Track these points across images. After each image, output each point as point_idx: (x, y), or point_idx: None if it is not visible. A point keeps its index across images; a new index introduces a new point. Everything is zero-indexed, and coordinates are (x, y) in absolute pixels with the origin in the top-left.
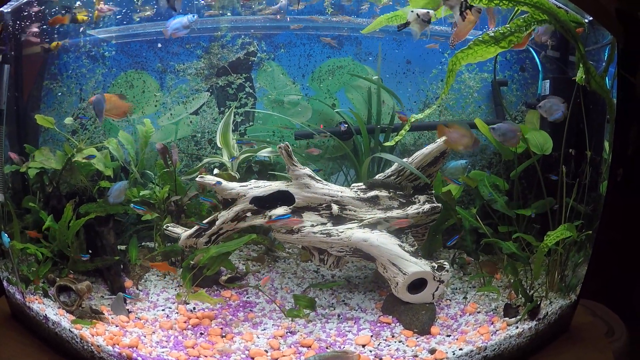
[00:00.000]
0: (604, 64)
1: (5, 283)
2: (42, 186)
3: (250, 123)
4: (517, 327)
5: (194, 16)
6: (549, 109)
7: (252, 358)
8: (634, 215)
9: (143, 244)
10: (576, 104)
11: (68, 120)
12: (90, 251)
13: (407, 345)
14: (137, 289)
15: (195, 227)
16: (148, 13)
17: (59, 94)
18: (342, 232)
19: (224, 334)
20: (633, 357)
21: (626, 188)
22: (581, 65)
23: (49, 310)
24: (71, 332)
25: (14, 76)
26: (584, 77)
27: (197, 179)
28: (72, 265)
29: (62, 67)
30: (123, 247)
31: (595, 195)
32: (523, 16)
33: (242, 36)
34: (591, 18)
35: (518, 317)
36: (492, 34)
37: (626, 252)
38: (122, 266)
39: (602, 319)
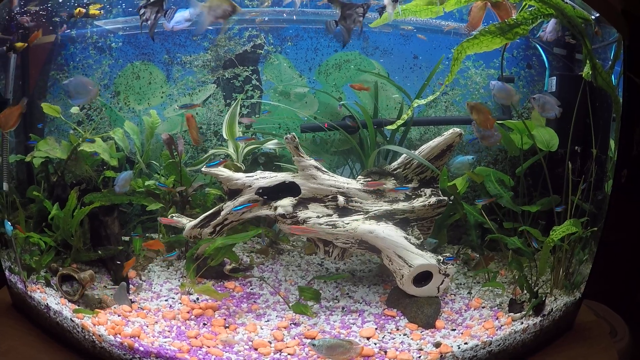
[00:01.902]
0: (610, 62)
1: (7, 272)
2: (47, 176)
3: (257, 115)
4: (522, 323)
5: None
6: (542, 105)
7: (256, 349)
8: (639, 217)
9: (147, 234)
10: (582, 102)
11: (74, 109)
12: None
13: (411, 339)
14: (141, 279)
15: (200, 218)
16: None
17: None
18: (348, 223)
19: (227, 325)
20: (635, 358)
21: (631, 189)
22: (588, 62)
23: (51, 299)
24: (72, 321)
25: (20, 66)
26: (590, 73)
27: (203, 169)
28: (75, 255)
29: (69, 58)
30: (127, 238)
31: (600, 193)
32: (530, 9)
33: (250, 29)
34: (598, 14)
35: (523, 312)
36: (499, 25)
37: (630, 253)
38: (125, 256)
39: (605, 319)
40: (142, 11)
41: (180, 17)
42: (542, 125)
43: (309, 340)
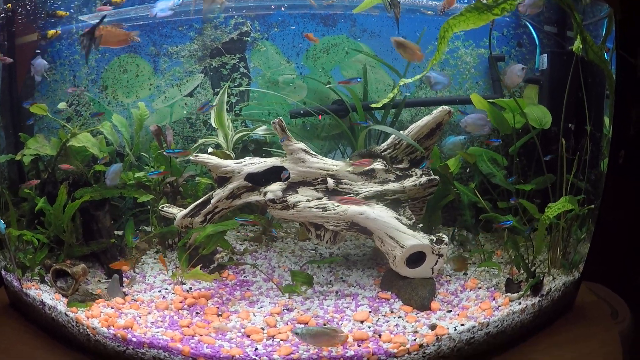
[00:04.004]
0: (602, 39)
1: (3, 272)
2: (38, 173)
3: (246, 103)
4: (520, 303)
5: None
6: (471, 124)
7: (248, 336)
8: (636, 197)
9: (141, 228)
10: (575, 78)
11: (62, 105)
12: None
13: (406, 321)
14: (134, 272)
15: (191, 207)
16: None
17: (53, 81)
18: (338, 206)
19: (220, 313)
20: (637, 339)
21: (629, 168)
22: (578, 36)
23: (45, 295)
24: (67, 315)
25: (7, 65)
26: (581, 47)
27: (191, 157)
28: (68, 250)
29: (55, 55)
30: (121, 232)
31: (596, 171)
32: None
33: (235, 16)
34: None
35: (520, 292)
36: (485, 1)
37: (630, 233)
38: (118, 250)
39: (605, 301)
40: (81, 39)
41: (164, 5)
42: (534, 103)
43: (292, 329)
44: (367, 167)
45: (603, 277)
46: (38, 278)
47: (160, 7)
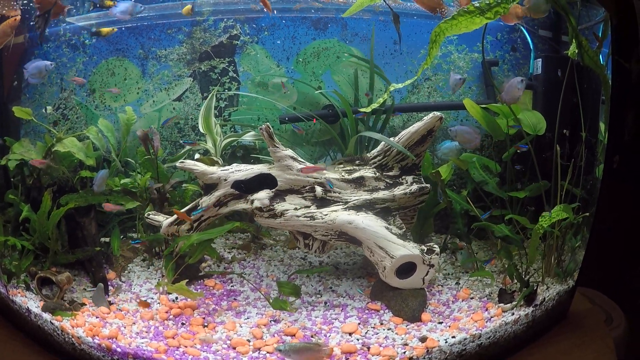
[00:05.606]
0: (597, 44)
1: None
2: (23, 178)
3: (235, 108)
4: (512, 314)
5: (141, 7)
6: (461, 134)
7: (234, 348)
8: (632, 202)
9: (128, 234)
10: (569, 83)
11: (48, 109)
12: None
13: (396, 333)
14: (120, 280)
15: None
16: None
17: (40, 84)
18: (327, 214)
19: (206, 324)
20: (632, 345)
21: (624, 174)
22: (574, 41)
23: (31, 303)
24: (52, 324)
25: None
26: (576, 52)
27: (177, 163)
28: (53, 257)
29: (42, 57)
30: (107, 239)
31: (591, 178)
32: None
33: (225, 19)
34: None
35: (513, 302)
36: (478, 4)
37: (626, 237)
38: (104, 258)
39: (600, 307)
40: (36, 20)
41: (124, 7)
42: (528, 109)
43: (277, 341)
44: (319, 173)
45: (598, 281)
46: (24, 285)
47: (121, 9)
